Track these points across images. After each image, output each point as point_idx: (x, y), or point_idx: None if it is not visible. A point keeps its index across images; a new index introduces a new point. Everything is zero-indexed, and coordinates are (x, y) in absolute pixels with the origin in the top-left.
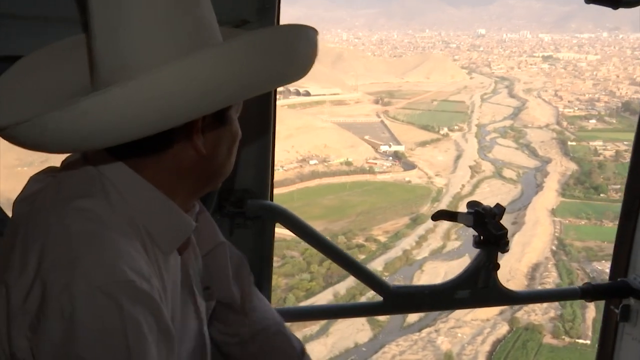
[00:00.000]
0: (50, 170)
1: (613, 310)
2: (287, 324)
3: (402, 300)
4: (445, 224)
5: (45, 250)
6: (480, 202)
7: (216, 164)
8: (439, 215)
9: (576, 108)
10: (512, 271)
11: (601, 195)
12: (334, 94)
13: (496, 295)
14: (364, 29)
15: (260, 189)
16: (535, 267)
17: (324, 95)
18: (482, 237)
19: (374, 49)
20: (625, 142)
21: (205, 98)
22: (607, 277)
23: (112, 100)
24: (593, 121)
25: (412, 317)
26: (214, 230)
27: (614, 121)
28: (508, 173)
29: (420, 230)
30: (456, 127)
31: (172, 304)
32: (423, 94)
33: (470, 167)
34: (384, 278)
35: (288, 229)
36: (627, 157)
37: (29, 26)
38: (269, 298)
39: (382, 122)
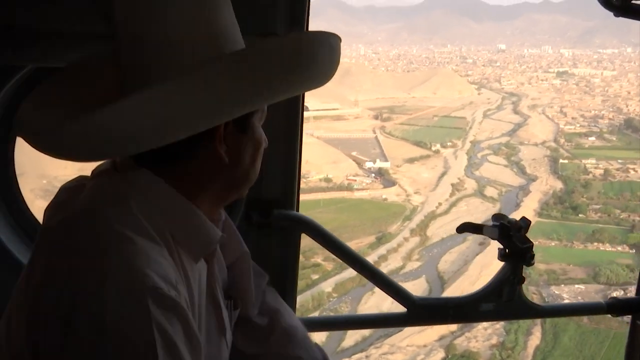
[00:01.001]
0: (81, 179)
1: (639, 325)
2: (311, 334)
3: (425, 312)
4: (410, 244)
5: (75, 257)
6: (505, 215)
7: (240, 171)
8: (464, 228)
9: (578, 125)
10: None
11: (579, 215)
12: (333, 109)
13: (521, 308)
14: (385, 44)
15: (287, 199)
16: None
17: (323, 110)
18: (507, 250)
19: (388, 64)
20: (619, 160)
21: (223, 106)
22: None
23: (128, 110)
24: (592, 138)
25: (348, 342)
26: (237, 240)
27: (614, 138)
28: (490, 191)
29: (382, 249)
30: (449, 144)
31: (198, 312)
32: (426, 109)
33: (453, 184)
34: (332, 299)
35: (314, 239)
36: (617, 176)
37: (69, 39)
38: (293, 307)
39: (376, 138)
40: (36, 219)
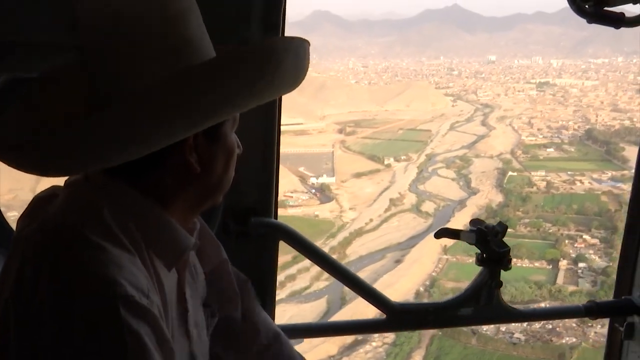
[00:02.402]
0: (53, 189)
1: (617, 328)
2: (291, 341)
3: (405, 318)
4: None
5: (46, 266)
6: (482, 220)
7: (213, 180)
8: (441, 234)
9: (541, 136)
10: (355, 314)
11: (508, 230)
12: (297, 124)
13: (499, 312)
14: (378, 57)
15: (264, 207)
16: None
17: (285, 125)
18: (484, 255)
19: (372, 77)
20: (569, 172)
21: (190, 118)
22: None
23: (97, 126)
24: (551, 149)
25: None
26: (217, 248)
27: (572, 150)
28: (428, 206)
29: (293, 269)
30: (403, 158)
31: (171, 320)
32: (396, 122)
33: (391, 200)
34: None
35: (292, 246)
36: (561, 188)
37: (39, 50)
38: (272, 314)
39: (332, 152)
40: (10, 228)
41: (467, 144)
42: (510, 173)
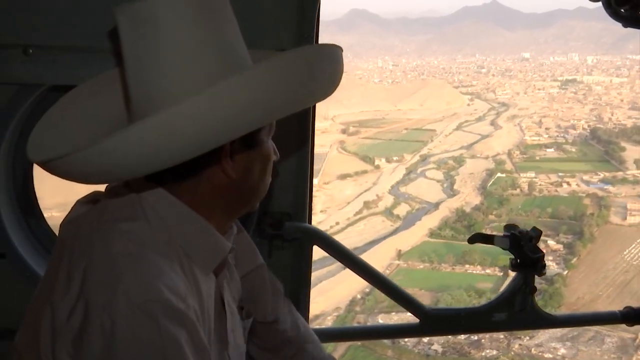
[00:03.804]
0: (95, 195)
1: None
2: (324, 344)
3: (438, 322)
4: None
5: (88, 270)
6: (517, 225)
7: (249, 186)
8: (475, 238)
9: (546, 136)
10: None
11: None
12: None
13: (534, 318)
14: (414, 55)
15: (298, 212)
16: (312, 319)
17: None
18: (518, 260)
19: (397, 76)
20: (559, 174)
21: (227, 125)
22: None
23: (135, 136)
24: (551, 150)
25: None
26: (253, 252)
27: (574, 150)
28: (402, 209)
29: None
30: (395, 158)
31: (209, 324)
32: (405, 121)
33: (366, 202)
34: None
35: (325, 251)
36: (545, 190)
37: (80, 57)
38: (306, 318)
39: (326, 154)
40: (53, 232)
41: (467, 144)
42: (498, 174)
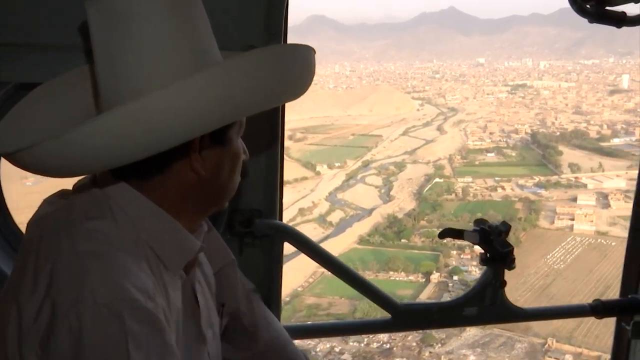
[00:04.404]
0: (62, 193)
1: (624, 328)
2: (295, 341)
3: (410, 318)
4: None
5: (55, 270)
6: (486, 220)
7: (218, 184)
8: (445, 234)
9: (489, 140)
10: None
11: (402, 240)
12: None
13: (504, 312)
14: (373, 61)
15: (269, 209)
16: None
17: None
18: (488, 255)
19: (351, 82)
20: (496, 178)
21: (196, 120)
22: None
23: (102, 127)
24: (492, 154)
25: None
26: (224, 249)
27: (514, 154)
28: (336, 215)
29: None
30: (337, 165)
31: (177, 323)
32: (353, 127)
33: (301, 209)
34: None
35: (297, 247)
36: (480, 195)
37: (48, 54)
38: (277, 315)
39: None
40: (20, 231)
41: (410, 149)
42: (436, 180)
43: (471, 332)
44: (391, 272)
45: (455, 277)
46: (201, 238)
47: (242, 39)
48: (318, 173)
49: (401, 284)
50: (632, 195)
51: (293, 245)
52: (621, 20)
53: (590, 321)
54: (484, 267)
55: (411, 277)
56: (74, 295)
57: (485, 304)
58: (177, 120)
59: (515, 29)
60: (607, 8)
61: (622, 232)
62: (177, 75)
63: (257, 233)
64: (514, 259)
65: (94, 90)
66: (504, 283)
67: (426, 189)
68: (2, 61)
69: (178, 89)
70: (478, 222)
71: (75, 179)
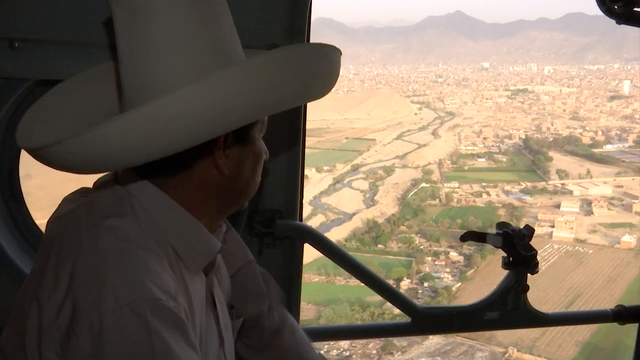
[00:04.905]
0: (82, 191)
1: None
2: (314, 344)
3: (430, 321)
4: None
5: (76, 268)
6: (509, 223)
7: (240, 183)
8: (467, 236)
9: (482, 145)
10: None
11: (379, 246)
12: None
13: (526, 316)
14: (378, 64)
15: (289, 210)
16: None
17: None
18: (511, 259)
19: (352, 85)
20: (483, 183)
21: (221, 117)
22: None
23: (129, 124)
24: (482, 159)
25: None
26: (242, 249)
27: (504, 159)
28: (317, 220)
29: None
30: (326, 168)
31: (199, 322)
32: (348, 130)
33: None
34: None
35: (317, 249)
36: (464, 201)
37: (68, 51)
38: (297, 317)
39: None
40: (39, 229)
41: (402, 154)
42: (422, 184)
43: (433, 340)
44: None
45: (426, 284)
46: (220, 238)
47: (266, 37)
48: (305, 177)
49: (370, 290)
50: (616, 202)
51: (313, 247)
52: None
53: (555, 330)
54: (506, 271)
55: None
56: (95, 294)
57: (507, 309)
58: (201, 118)
59: (522, 34)
60: (636, 9)
61: (601, 239)
62: (200, 73)
63: (278, 234)
64: (537, 263)
65: (117, 88)
66: (527, 287)
67: (411, 194)
68: (22, 58)
69: (202, 86)
70: (501, 225)
71: (95, 177)
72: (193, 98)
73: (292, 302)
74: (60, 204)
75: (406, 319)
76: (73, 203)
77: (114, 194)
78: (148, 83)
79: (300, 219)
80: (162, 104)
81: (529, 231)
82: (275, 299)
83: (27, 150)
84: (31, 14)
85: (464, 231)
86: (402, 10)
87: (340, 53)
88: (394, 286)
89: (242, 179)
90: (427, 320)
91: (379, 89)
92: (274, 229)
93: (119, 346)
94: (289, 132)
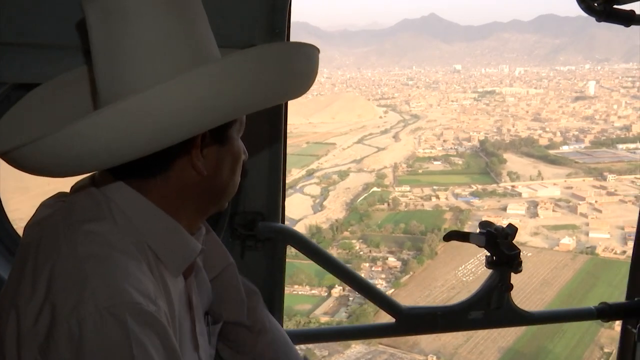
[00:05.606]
0: (60, 196)
1: (630, 331)
2: (298, 347)
3: (415, 321)
4: None
5: (54, 273)
6: (492, 223)
7: (219, 184)
8: (450, 236)
9: (440, 148)
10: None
11: None
12: None
13: (510, 315)
14: (353, 68)
15: (271, 212)
16: None
17: None
18: (494, 258)
19: (322, 88)
20: (435, 187)
21: (196, 116)
22: None
23: (102, 121)
24: (438, 162)
25: None
26: (222, 252)
27: (460, 162)
28: None
29: None
30: None
31: (178, 325)
32: (310, 135)
33: None
34: None
35: (299, 251)
36: (412, 205)
37: (45, 54)
38: (280, 319)
39: None
40: (18, 234)
41: (359, 158)
42: (374, 189)
43: (355, 349)
44: (295, 286)
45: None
46: (201, 240)
47: (245, 39)
48: None
49: (302, 298)
50: (563, 204)
51: (296, 249)
52: (630, 19)
53: (479, 337)
54: (490, 270)
55: (314, 291)
56: (74, 300)
57: (491, 308)
58: (174, 116)
59: (496, 36)
60: (615, 6)
61: (541, 242)
62: (175, 73)
63: (260, 236)
64: (520, 262)
65: (92, 91)
66: (511, 286)
67: (360, 198)
68: None
69: (174, 83)
70: (484, 224)
71: (73, 180)
72: (166, 95)
73: (275, 304)
74: (37, 209)
75: (390, 319)
76: (50, 208)
77: (92, 198)
78: (122, 84)
79: (283, 221)
80: (134, 101)
81: (512, 230)
82: (256, 302)
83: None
84: (6, 17)
85: (407, 236)
86: (378, 13)
87: (319, 52)
88: (325, 293)
89: (221, 180)
90: (412, 320)
91: (344, 93)
92: (255, 231)
93: (99, 351)
94: (269, 132)
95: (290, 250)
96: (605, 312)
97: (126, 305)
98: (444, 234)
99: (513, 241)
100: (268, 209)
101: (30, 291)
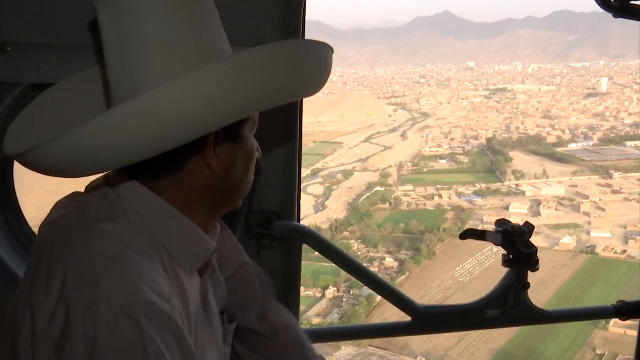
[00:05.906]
0: (74, 196)
1: None
2: (315, 345)
3: (431, 320)
4: None
5: (69, 273)
6: (509, 221)
7: (233, 182)
8: (466, 234)
9: (447, 146)
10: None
11: (315, 253)
12: None
13: (527, 314)
14: (366, 66)
15: (287, 210)
16: None
17: None
18: (511, 256)
19: (333, 87)
20: (438, 186)
21: (208, 114)
22: None
23: (113, 121)
24: (444, 161)
25: None
26: (239, 250)
27: (466, 161)
28: None
29: None
30: None
31: (194, 325)
32: (318, 134)
33: None
34: None
35: (315, 250)
36: (414, 204)
37: (61, 54)
38: (296, 318)
39: None
40: (34, 234)
41: (365, 157)
42: (377, 188)
43: (345, 351)
44: None
45: (352, 292)
46: (215, 239)
47: (260, 38)
48: None
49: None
50: (567, 202)
51: (312, 248)
52: None
53: (471, 338)
54: (507, 269)
55: (309, 292)
56: (88, 299)
57: (508, 306)
58: (186, 114)
59: (510, 33)
60: (632, 2)
61: (542, 241)
62: (185, 71)
63: (276, 235)
64: (537, 261)
65: (105, 89)
66: (527, 285)
67: (362, 198)
68: (14, 62)
69: (185, 81)
70: (500, 222)
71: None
72: (177, 93)
73: (292, 303)
74: (52, 209)
75: (406, 318)
76: (65, 208)
77: (106, 197)
78: (133, 84)
79: (299, 220)
80: (143, 100)
81: (529, 228)
82: (274, 300)
83: (13, 157)
84: (23, 17)
85: (406, 236)
86: (391, 11)
87: (333, 51)
88: (320, 294)
89: (235, 178)
90: (428, 319)
91: (354, 91)
92: (271, 230)
93: (114, 351)
94: (285, 130)
95: None
96: (623, 311)
97: (140, 305)
98: (444, 233)
99: (529, 239)
100: (284, 207)
101: (45, 291)
